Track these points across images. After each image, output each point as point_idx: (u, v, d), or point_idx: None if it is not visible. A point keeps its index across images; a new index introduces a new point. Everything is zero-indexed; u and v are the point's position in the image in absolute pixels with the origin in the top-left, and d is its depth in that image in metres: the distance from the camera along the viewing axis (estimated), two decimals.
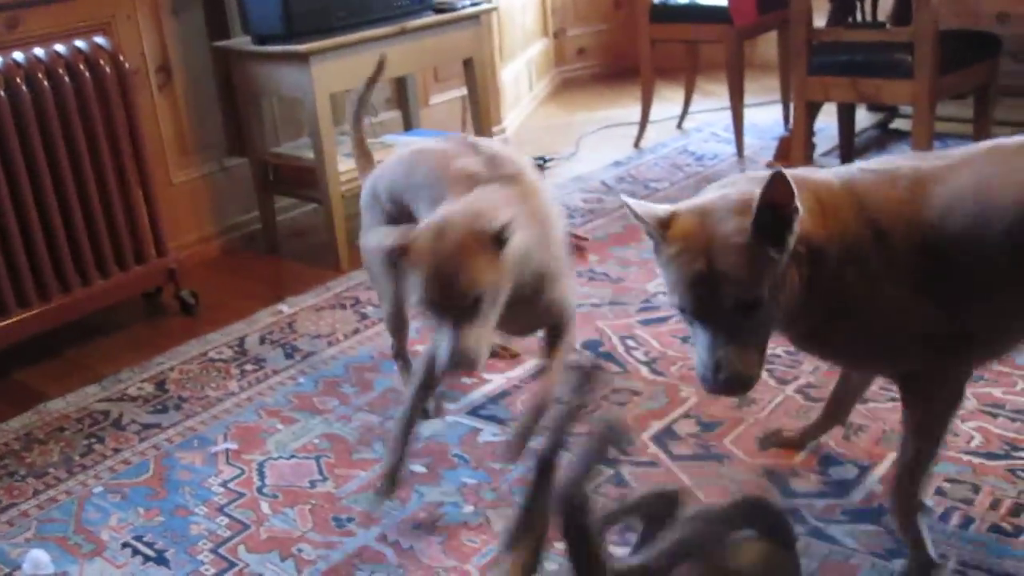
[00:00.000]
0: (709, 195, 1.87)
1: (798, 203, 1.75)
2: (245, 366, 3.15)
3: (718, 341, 1.79)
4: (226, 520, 2.39)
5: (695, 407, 2.74)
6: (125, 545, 2.34)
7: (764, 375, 2.82)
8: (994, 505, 2.24)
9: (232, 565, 2.24)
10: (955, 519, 2.21)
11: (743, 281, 1.75)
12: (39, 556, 2.28)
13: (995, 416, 2.58)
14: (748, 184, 1.85)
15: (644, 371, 2.96)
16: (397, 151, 2.78)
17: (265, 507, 2.43)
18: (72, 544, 2.35)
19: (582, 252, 3.87)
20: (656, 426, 2.66)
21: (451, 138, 2.60)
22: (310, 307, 3.55)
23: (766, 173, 1.78)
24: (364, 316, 3.45)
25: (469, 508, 2.36)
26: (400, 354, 2.93)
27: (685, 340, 3.12)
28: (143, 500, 2.51)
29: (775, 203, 1.73)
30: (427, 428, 2.71)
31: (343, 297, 3.62)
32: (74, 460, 2.70)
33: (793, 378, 2.83)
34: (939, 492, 2.30)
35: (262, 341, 3.31)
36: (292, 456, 2.65)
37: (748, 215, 1.74)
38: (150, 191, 3.48)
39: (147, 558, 2.29)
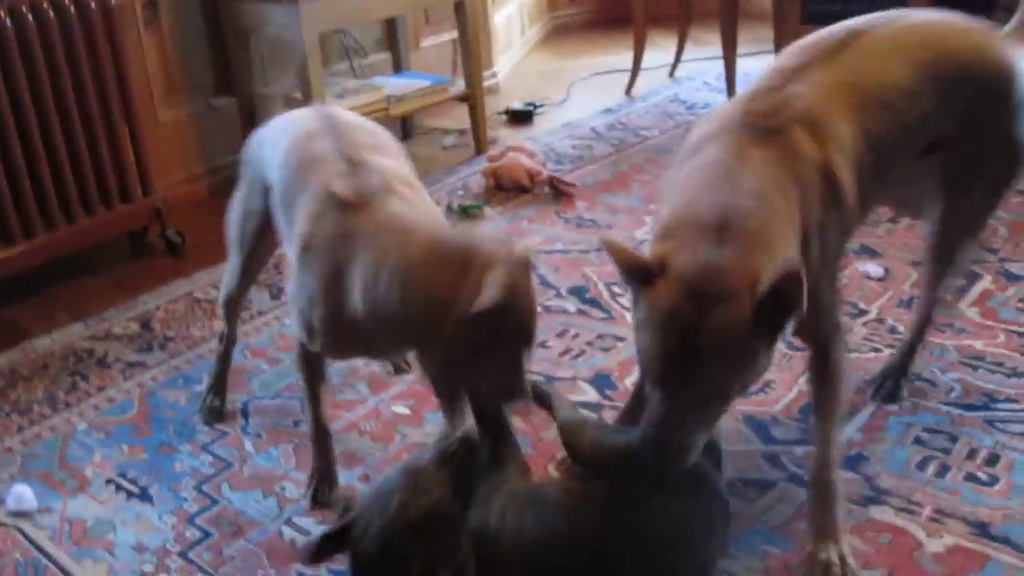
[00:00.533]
0: (700, 254, 1.65)
1: (804, 299, 1.59)
2: None
3: (672, 417, 1.68)
4: (210, 458, 2.40)
5: None
6: (109, 481, 2.36)
7: None
8: (971, 455, 2.26)
9: (215, 502, 2.26)
10: (931, 468, 2.23)
11: (727, 377, 1.66)
12: (23, 491, 2.29)
13: (975, 368, 2.59)
14: (735, 196, 1.71)
15: (629, 317, 2.96)
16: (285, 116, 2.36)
17: (249, 446, 2.44)
18: (56, 480, 2.37)
19: (570, 199, 3.86)
20: (639, 372, 2.67)
21: (317, 110, 2.24)
22: None
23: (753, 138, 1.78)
24: None
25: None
26: (231, 338, 2.64)
27: None
28: (127, 437, 2.52)
29: (782, 299, 1.60)
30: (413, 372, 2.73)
31: None
32: (58, 397, 2.71)
33: None
34: (917, 441, 2.32)
35: None
36: (276, 396, 2.66)
37: (745, 299, 1.60)
38: (136, 129, 3.46)
39: (131, 494, 2.30)
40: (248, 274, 2.45)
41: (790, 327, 1.68)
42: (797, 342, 2.56)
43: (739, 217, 1.69)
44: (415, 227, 1.85)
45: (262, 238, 2.33)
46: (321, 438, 2.24)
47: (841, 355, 2.02)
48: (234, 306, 2.54)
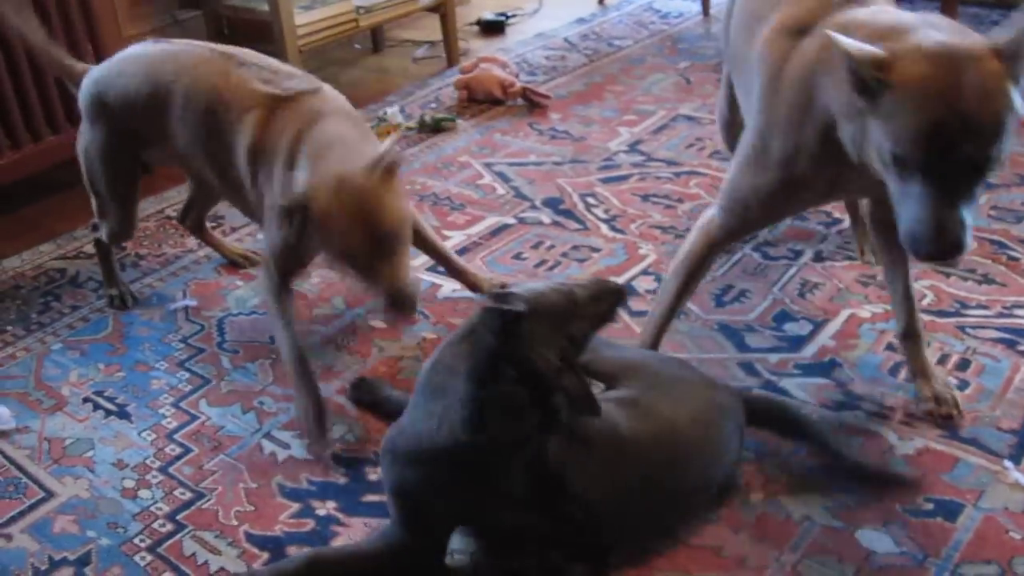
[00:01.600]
0: (930, 38, 1.65)
1: None
2: None
3: (945, 200, 1.63)
4: (187, 375, 2.40)
5: (653, 264, 2.76)
6: (86, 400, 2.35)
7: None
8: (942, 360, 2.29)
9: (194, 418, 2.26)
10: (903, 373, 2.26)
11: (998, 135, 1.61)
12: (0, 411, 2.29)
13: (947, 275, 2.62)
14: (961, 33, 1.69)
15: (604, 228, 2.96)
16: (124, 53, 2.49)
17: (226, 362, 2.44)
18: (33, 400, 2.36)
19: (543, 110, 3.83)
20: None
21: (197, 46, 2.40)
22: None
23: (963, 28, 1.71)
24: None
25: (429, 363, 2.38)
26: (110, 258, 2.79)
27: (645, 198, 3.12)
28: (103, 356, 2.51)
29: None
30: None
31: None
32: (31, 318, 2.69)
33: (751, 236, 2.84)
34: (889, 348, 2.35)
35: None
36: (252, 312, 2.65)
37: (996, 62, 1.61)
38: (100, 44, 3.37)
39: (108, 412, 2.30)
40: (132, 216, 2.65)
41: None
42: (772, 252, 2.57)
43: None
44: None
45: (136, 181, 2.63)
46: (306, 370, 2.20)
47: None
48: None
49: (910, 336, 2.21)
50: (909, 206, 1.67)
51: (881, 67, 1.63)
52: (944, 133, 1.60)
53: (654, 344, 2.23)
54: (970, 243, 1.66)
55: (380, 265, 2.00)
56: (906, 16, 1.79)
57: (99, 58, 3.35)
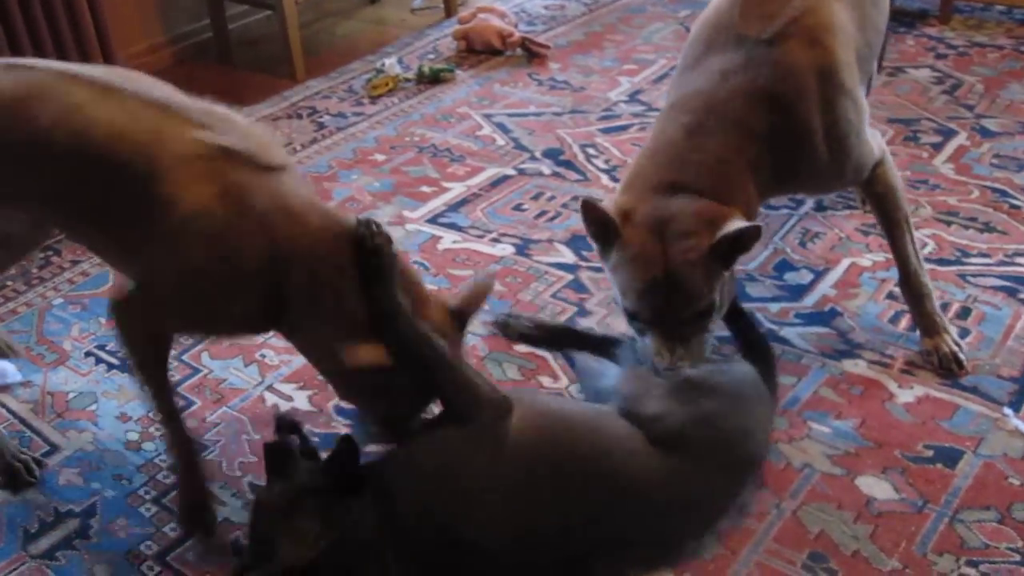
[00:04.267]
0: (662, 205, 1.90)
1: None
2: None
3: (670, 344, 1.91)
4: None
5: None
6: (88, 354, 2.36)
7: None
8: (943, 308, 2.29)
9: (196, 371, 2.27)
10: (904, 322, 2.27)
11: (699, 294, 1.87)
12: (5, 366, 2.29)
13: (949, 224, 2.61)
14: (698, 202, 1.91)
15: (604, 179, 2.95)
16: None
17: None
18: (36, 354, 2.37)
19: (543, 60, 3.80)
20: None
21: (102, 70, 1.78)
22: (266, 116, 3.48)
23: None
24: (321, 126, 3.39)
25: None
26: None
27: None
28: (104, 310, 2.51)
29: (731, 245, 1.86)
30: None
31: (299, 107, 3.55)
32: (32, 273, 2.68)
33: None
34: (890, 296, 2.35)
35: None
36: None
37: (704, 236, 1.85)
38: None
39: (111, 366, 2.31)
40: None
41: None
42: (773, 202, 2.56)
43: (694, 177, 1.93)
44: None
45: None
46: (188, 450, 1.87)
47: (891, 174, 2.16)
48: None
49: (906, 285, 2.21)
50: (645, 344, 1.96)
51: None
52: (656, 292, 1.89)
53: None
54: (704, 358, 1.95)
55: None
56: None
57: (93, 11, 3.35)
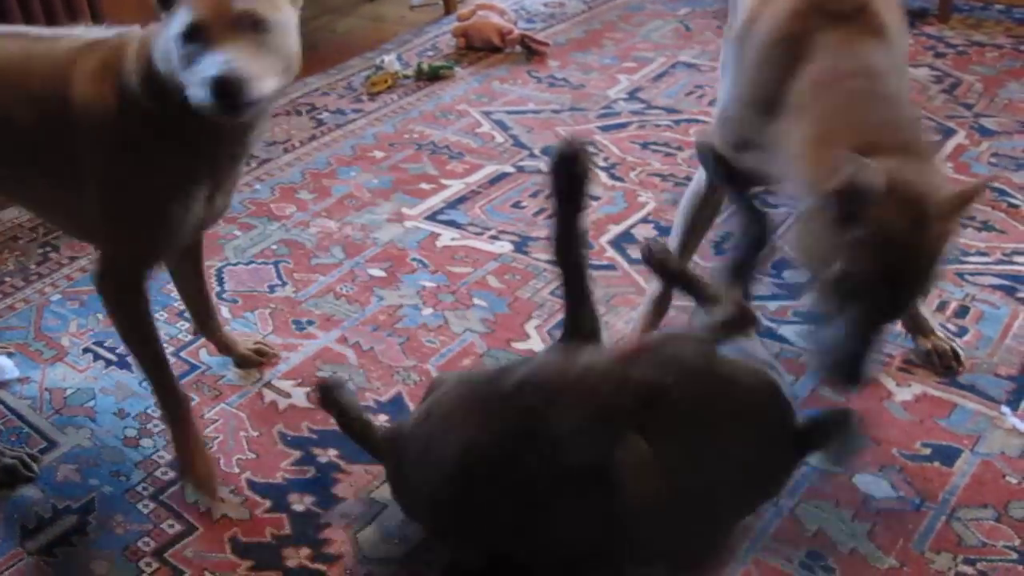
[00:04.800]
0: (905, 172, 1.67)
1: None
2: None
3: (864, 336, 1.72)
4: (186, 324, 2.40)
5: (653, 212, 2.75)
6: (86, 350, 2.35)
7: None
8: (941, 307, 2.29)
9: (195, 367, 2.27)
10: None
11: (926, 291, 1.77)
12: (3, 362, 2.29)
13: None
14: (890, 109, 1.79)
15: (603, 176, 2.95)
16: None
17: (225, 311, 2.44)
18: (33, 350, 2.36)
19: (542, 58, 3.80)
20: (614, 230, 2.68)
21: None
22: None
23: None
24: (320, 122, 3.39)
25: (428, 311, 2.39)
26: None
27: (645, 146, 3.11)
28: (102, 307, 2.50)
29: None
30: (386, 233, 2.72)
31: (298, 103, 3.55)
32: (30, 269, 2.68)
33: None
34: None
35: None
36: (251, 262, 2.65)
37: (954, 215, 1.70)
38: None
39: (109, 362, 2.31)
40: None
41: None
42: (771, 200, 2.56)
43: (907, 132, 1.77)
44: None
45: None
46: (182, 409, 1.97)
47: None
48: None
49: None
50: (828, 335, 1.75)
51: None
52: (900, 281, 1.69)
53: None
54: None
55: (215, 43, 1.62)
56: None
57: (92, 4, 3.34)
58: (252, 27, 1.64)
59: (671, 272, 1.97)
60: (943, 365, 2.12)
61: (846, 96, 1.79)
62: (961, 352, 2.14)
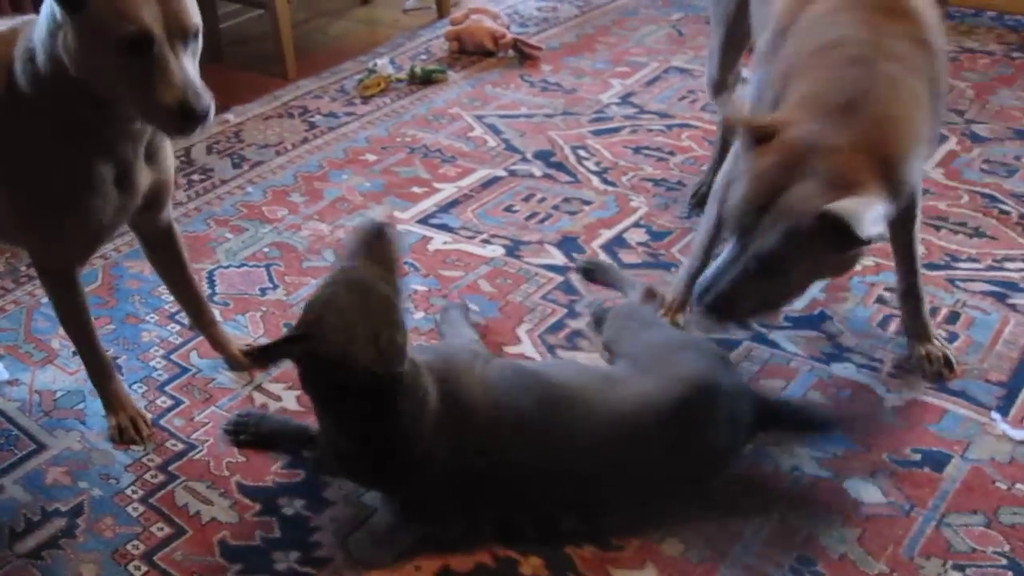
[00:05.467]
0: (823, 127, 1.68)
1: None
2: (192, 176, 3.10)
3: (730, 271, 1.74)
4: (177, 327, 2.40)
5: (645, 216, 2.75)
6: (76, 353, 2.34)
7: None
8: (932, 313, 2.29)
9: (185, 371, 2.26)
10: (893, 326, 2.27)
11: (778, 248, 1.67)
12: None
13: (938, 228, 2.62)
14: (876, 130, 1.69)
15: (595, 181, 2.95)
16: None
17: (216, 314, 2.43)
18: (23, 352, 2.35)
19: (535, 62, 3.80)
20: (606, 235, 2.68)
21: None
22: (257, 116, 3.48)
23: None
24: (312, 125, 3.39)
25: (419, 314, 2.39)
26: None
27: (637, 151, 3.11)
28: (93, 309, 2.46)
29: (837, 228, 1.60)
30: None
31: (291, 106, 3.54)
32: (20, 270, 2.67)
33: None
34: (879, 300, 2.36)
35: (209, 151, 3.25)
36: (242, 265, 2.64)
37: (833, 195, 1.61)
38: None
39: None
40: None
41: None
42: None
43: (870, 104, 1.70)
44: None
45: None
46: (105, 368, 2.12)
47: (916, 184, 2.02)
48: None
49: (910, 296, 2.16)
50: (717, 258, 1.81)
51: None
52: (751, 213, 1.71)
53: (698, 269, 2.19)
54: (733, 322, 1.86)
55: (170, 57, 1.62)
56: None
57: None
58: (195, 38, 1.66)
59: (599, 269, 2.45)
60: (934, 372, 2.11)
61: (839, 63, 1.77)
62: (954, 360, 2.13)
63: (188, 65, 1.64)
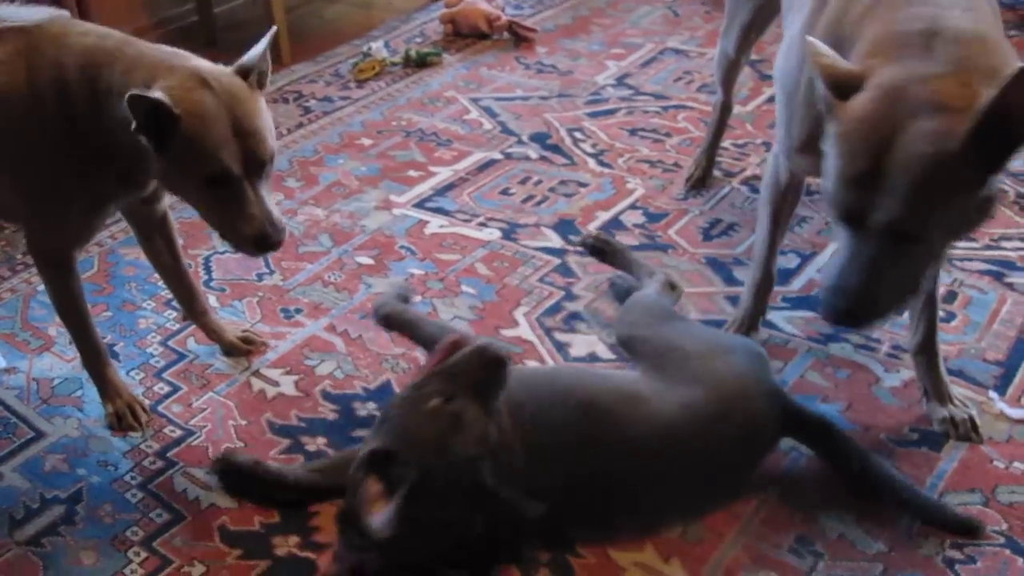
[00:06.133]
0: (912, 62, 1.45)
1: None
2: None
3: (858, 261, 1.49)
4: (174, 313, 2.39)
5: (642, 198, 2.75)
6: (73, 340, 2.34)
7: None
8: None
9: (182, 357, 2.26)
10: None
11: (921, 212, 1.42)
12: None
13: None
14: (967, 49, 1.46)
15: (591, 163, 2.95)
16: None
17: (213, 300, 2.43)
18: (20, 340, 2.35)
19: (530, 44, 3.79)
20: (603, 217, 2.68)
21: None
22: None
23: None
24: (307, 110, 3.38)
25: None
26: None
27: (633, 133, 3.11)
28: (89, 296, 2.46)
29: (1012, 112, 1.35)
30: (374, 221, 2.71)
31: (286, 91, 3.53)
32: (16, 259, 2.66)
33: (740, 170, 2.84)
34: None
35: None
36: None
37: (957, 115, 1.38)
38: None
39: None
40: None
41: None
42: (759, 185, 2.56)
43: (950, 27, 1.49)
44: None
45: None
46: (100, 355, 2.11)
47: None
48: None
49: (925, 351, 1.97)
50: (834, 257, 1.57)
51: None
52: (861, 186, 1.45)
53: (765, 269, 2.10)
54: (880, 315, 1.55)
55: (249, 191, 1.71)
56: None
57: None
58: (270, 162, 1.74)
59: (613, 252, 2.35)
60: (961, 436, 1.91)
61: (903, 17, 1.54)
62: (980, 422, 1.93)
63: (265, 197, 1.73)
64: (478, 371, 1.62)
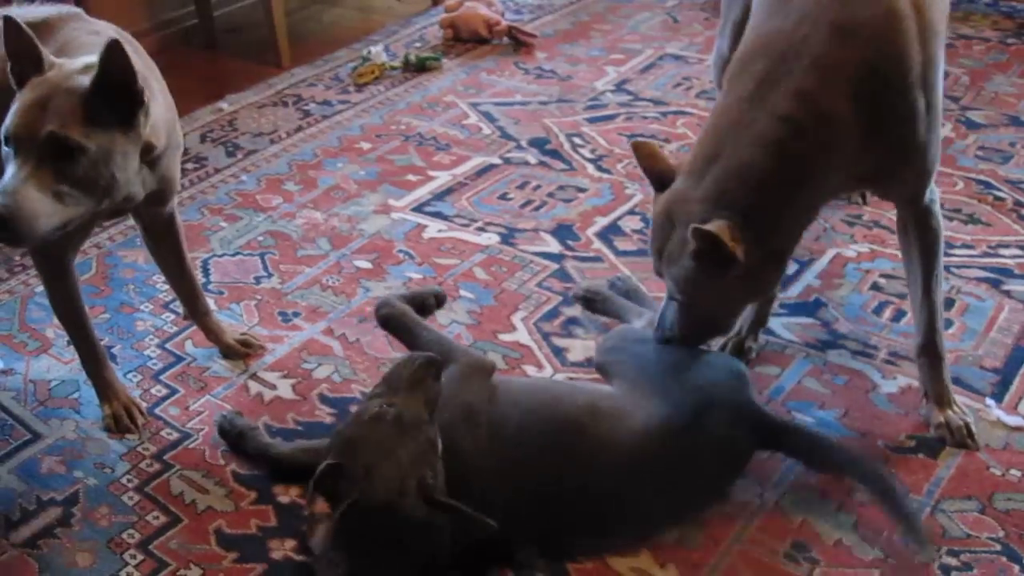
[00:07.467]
0: (682, 182, 1.82)
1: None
2: (186, 164, 3.08)
3: (669, 306, 1.91)
4: (172, 316, 2.39)
5: (640, 204, 2.75)
6: (70, 342, 2.34)
7: None
8: None
9: (180, 359, 2.26)
10: (888, 313, 2.28)
11: (683, 291, 1.82)
12: None
13: None
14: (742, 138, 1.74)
15: (590, 168, 2.95)
16: None
17: (211, 303, 2.42)
18: (17, 342, 2.35)
19: (529, 49, 3.79)
20: (601, 222, 2.68)
21: None
22: (251, 104, 3.47)
23: None
24: (307, 113, 3.38)
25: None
26: None
27: (632, 138, 3.10)
28: (87, 298, 2.46)
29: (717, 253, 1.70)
30: (373, 225, 2.71)
31: (285, 94, 3.53)
32: (14, 260, 2.66)
33: None
34: (874, 287, 2.36)
35: (203, 139, 3.24)
36: (236, 253, 2.64)
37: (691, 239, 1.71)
38: None
39: None
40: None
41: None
42: None
43: (727, 160, 1.75)
44: None
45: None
46: (98, 357, 2.11)
47: (939, 218, 1.93)
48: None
49: (927, 353, 1.97)
50: None
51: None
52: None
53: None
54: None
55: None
56: None
57: None
58: (57, 153, 1.63)
59: (603, 300, 2.31)
60: (955, 442, 1.92)
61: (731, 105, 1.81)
62: (975, 430, 1.94)
63: (24, 173, 1.62)
64: (413, 372, 1.71)
